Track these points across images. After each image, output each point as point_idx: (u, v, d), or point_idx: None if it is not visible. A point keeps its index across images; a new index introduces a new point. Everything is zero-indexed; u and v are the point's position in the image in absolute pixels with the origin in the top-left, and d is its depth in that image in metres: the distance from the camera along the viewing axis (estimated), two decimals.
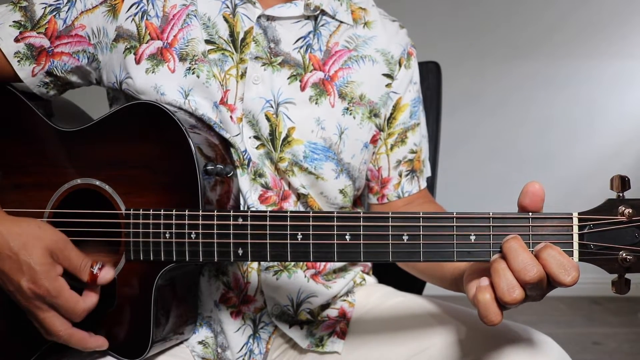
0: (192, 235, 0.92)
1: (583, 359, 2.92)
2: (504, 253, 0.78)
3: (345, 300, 1.18)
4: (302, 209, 1.12)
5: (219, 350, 1.09)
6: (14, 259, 0.91)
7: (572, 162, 3.88)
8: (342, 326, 1.14)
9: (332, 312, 1.16)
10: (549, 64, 3.85)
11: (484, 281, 0.79)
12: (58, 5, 1.07)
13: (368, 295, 1.21)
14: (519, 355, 0.92)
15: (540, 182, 0.80)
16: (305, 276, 1.10)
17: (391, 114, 1.19)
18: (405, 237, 0.83)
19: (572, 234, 0.80)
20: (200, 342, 1.09)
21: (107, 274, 0.93)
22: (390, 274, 1.57)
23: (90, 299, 0.94)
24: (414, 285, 1.51)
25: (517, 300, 0.76)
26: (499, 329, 0.97)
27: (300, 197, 1.11)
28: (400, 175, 1.22)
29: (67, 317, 0.93)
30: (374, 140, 1.17)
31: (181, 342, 1.08)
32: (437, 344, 1.02)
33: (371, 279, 1.30)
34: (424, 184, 1.26)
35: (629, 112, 3.87)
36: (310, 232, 0.86)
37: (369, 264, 1.32)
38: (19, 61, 1.06)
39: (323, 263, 1.14)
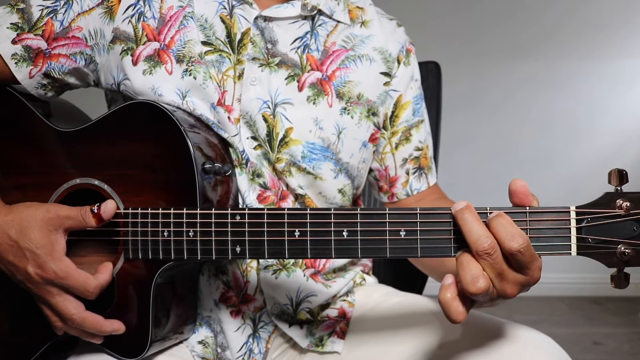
0: (190, 234, 0.92)
1: (583, 359, 2.91)
2: (457, 223, 0.80)
3: (345, 300, 1.18)
4: None
5: (219, 349, 1.09)
6: (16, 247, 0.91)
7: (573, 162, 3.88)
8: (342, 326, 1.14)
9: (332, 312, 1.16)
10: (549, 64, 3.85)
11: (447, 279, 0.80)
12: (55, 7, 1.08)
13: (368, 295, 1.21)
14: (518, 355, 0.92)
15: (521, 179, 0.82)
16: (304, 275, 1.10)
17: (393, 112, 1.19)
18: (402, 233, 0.83)
19: (569, 228, 0.80)
20: (200, 342, 1.09)
21: (108, 207, 0.93)
22: (389, 274, 1.57)
23: (102, 276, 0.94)
24: (413, 285, 1.52)
25: (481, 290, 0.76)
26: (499, 328, 0.97)
27: (298, 197, 1.11)
28: (407, 174, 1.22)
29: (80, 296, 0.93)
30: (372, 139, 1.17)
31: (180, 342, 1.08)
32: (436, 344, 1.02)
33: (371, 279, 1.30)
34: (433, 181, 1.26)
35: (629, 112, 3.86)
36: (308, 229, 0.86)
37: (369, 264, 1.32)
38: (16, 63, 1.07)
39: (322, 262, 1.14)
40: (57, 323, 0.95)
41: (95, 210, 0.93)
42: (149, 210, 0.94)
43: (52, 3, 1.08)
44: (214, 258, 0.91)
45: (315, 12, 1.12)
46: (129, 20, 1.07)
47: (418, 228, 0.83)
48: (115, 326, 0.96)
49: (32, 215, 0.92)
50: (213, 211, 0.91)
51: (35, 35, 1.07)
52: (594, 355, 2.97)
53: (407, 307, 1.15)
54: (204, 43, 1.07)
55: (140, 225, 0.94)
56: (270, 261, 1.07)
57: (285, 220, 0.87)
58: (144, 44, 1.06)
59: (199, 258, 0.92)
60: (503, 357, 0.93)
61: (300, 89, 1.09)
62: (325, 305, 1.16)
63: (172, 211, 0.92)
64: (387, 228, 0.84)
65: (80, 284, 0.91)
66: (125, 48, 1.07)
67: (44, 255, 0.90)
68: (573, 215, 0.80)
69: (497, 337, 0.95)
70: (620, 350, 3.04)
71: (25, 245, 0.90)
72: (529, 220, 0.80)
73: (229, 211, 0.90)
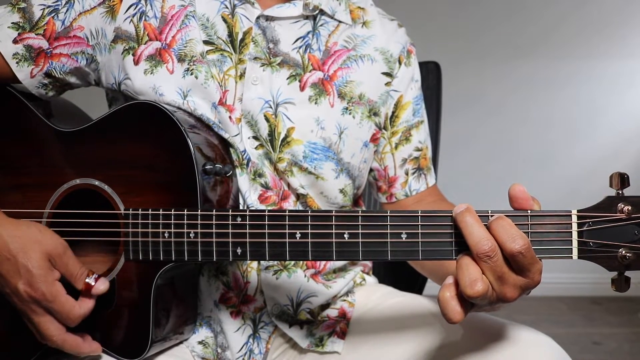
0: (190, 235, 0.91)
1: (583, 359, 2.91)
2: (458, 225, 0.79)
3: (345, 300, 1.18)
4: (301, 208, 1.12)
5: (219, 350, 1.09)
6: (12, 261, 0.91)
7: (572, 162, 3.88)
8: (342, 326, 1.14)
9: (332, 312, 1.16)
10: (549, 64, 3.85)
11: (448, 279, 0.80)
12: (56, 7, 1.07)
13: (368, 295, 1.21)
14: (518, 355, 0.92)
15: (520, 184, 0.81)
16: (305, 276, 1.10)
17: (393, 112, 1.19)
18: (403, 236, 0.83)
19: (571, 232, 0.80)
20: (200, 342, 1.09)
21: (101, 286, 0.94)
22: (389, 274, 1.57)
23: (86, 305, 0.94)
24: (413, 286, 1.52)
25: (478, 293, 0.76)
26: (499, 328, 0.97)
27: (299, 197, 1.11)
28: (406, 174, 1.22)
29: (62, 322, 0.93)
30: (374, 139, 1.17)
31: (181, 342, 1.08)
32: (437, 344, 1.02)
33: (371, 279, 1.30)
34: (432, 182, 1.26)
35: (629, 112, 3.87)
36: (309, 231, 0.86)
37: (369, 264, 1.32)
38: (17, 62, 1.06)
39: (323, 262, 1.14)
40: (39, 339, 0.96)
41: (92, 282, 0.94)
42: (150, 211, 0.94)
43: (53, 2, 1.07)
44: (214, 259, 0.91)
45: (316, 12, 1.12)
46: (131, 20, 1.07)
47: (419, 231, 0.83)
48: (93, 347, 0.97)
49: (41, 241, 0.92)
50: (214, 212, 0.90)
51: (36, 34, 1.07)
52: (594, 355, 2.97)
53: (407, 307, 1.15)
54: (205, 42, 1.07)
55: (140, 226, 0.94)
56: (271, 262, 1.07)
57: (287, 222, 0.87)
58: (145, 44, 1.06)
59: (199, 259, 0.92)
60: (503, 357, 0.93)
61: (302, 88, 1.09)
62: (325, 306, 1.16)
63: (172, 212, 0.92)
64: (389, 231, 0.83)
65: (65, 310, 0.92)
66: (126, 47, 1.06)
67: (38, 276, 0.90)
68: (575, 219, 0.80)
69: (497, 337, 0.95)
70: (620, 350, 3.04)
71: (23, 262, 0.90)
72: (531, 224, 0.80)
73: (230, 212, 0.90)
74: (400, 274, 1.56)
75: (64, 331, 0.94)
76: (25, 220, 0.95)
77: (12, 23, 1.07)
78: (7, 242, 0.91)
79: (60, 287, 0.92)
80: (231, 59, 1.07)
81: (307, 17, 1.12)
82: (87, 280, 0.93)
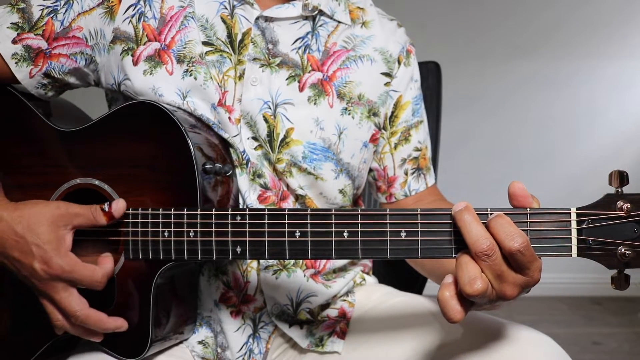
0: (190, 234, 0.92)
1: (583, 359, 2.91)
2: (457, 224, 0.79)
3: (345, 300, 1.18)
4: None
5: (219, 350, 1.09)
6: (22, 242, 0.91)
7: (572, 162, 3.88)
8: (342, 326, 1.14)
9: (332, 312, 1.16)
10: (549, 64, 3.84)
11: (447, 278, 0.80)
12: (55, 7, 1.08)
13: (368, 295, 1.21)
14: (518, 355, 0.92)
15: (520, 181, 0.81)
16: (304, 275, 1.10)
17: (392, 112, 1.19)
18: (403, 234, 0.83)
19: (570, 229, 0.80)
20: (200, 342, 1.09)
21: (119, 206, 0.94)
22: (389, 274, 1.57)
23: (106, 264, 0.94)
24: (413, 286, 1.52)
25: (478, 291, 0.76)
26: (499, 328, 0.97)
27: (298, 198, 1.11)
28: (406, 174, 1.22)
29: (89, 288, 0.93)
30: (373, 139, 1.17)
31: (181, 342, 1.08)
32: (437, 343, 1.02)
33: (371, 279, 1.30)
34: (431, 182, 1.26)
35: (629, 112, 3.86)
36: (308, 230, 0.86)
37: (369, 264, 1.32)
38: (16, 63, 1.07)
39: (323, 262, 1.14)
40: (57, 322, 0.95)
41: (106, 209, 0.93)
42: (150, 211, 0.94)
43: (52, 3, 1.08)
44: (214, 258, 0.91)
45: (316, 12, 1.12)
46: (130, 21, 1.07)
47: (419, 229, 0.83)
48: (119, 323, 0.96)
49: (41, 211, 0.92)
50: (214, 212, 0.90)
51: (35, 35, 1.07)
52: (594, 355, 2.97)
53: (407, 307, 1.15)
54: (204, 43, 1.07)
55: (140, 225, 0.94)
56: (271, 261, 1.07)
57: (286, 221, 0.87)
58: (144, 44, 1.06)
59: (199, 258, 0.92)
60: (503, 357, 0.93)
61: (301, 89, 1.09)
62: (325, 306, 1.16)
63: (172, 212, 0.92)
64: (388, 229, 0.83)
65: (87, 275, 0.92)
66: (125, 48, 1.07)
67: (50, 251, 0.90)
68: (574, 216, 0.80)
69: (497, 337, 0.95)
70: (620, 350, 3.04)
71: (32, 240, 0.90)
72: (530, 222, 0.80)
73: (230, 212, 0.90)
74: (400, 274, 1.56)
75: (86, 305, 0.93)
76: (20, 202, 0.95)
77: (11, 23, 1.07)
78: (12, 225, 0.91)
79: (74, 257, 0.92)
80: (230, 59, 1.07)
81: (306, 18, 1.12)
82: (104, 209, 0.93)
